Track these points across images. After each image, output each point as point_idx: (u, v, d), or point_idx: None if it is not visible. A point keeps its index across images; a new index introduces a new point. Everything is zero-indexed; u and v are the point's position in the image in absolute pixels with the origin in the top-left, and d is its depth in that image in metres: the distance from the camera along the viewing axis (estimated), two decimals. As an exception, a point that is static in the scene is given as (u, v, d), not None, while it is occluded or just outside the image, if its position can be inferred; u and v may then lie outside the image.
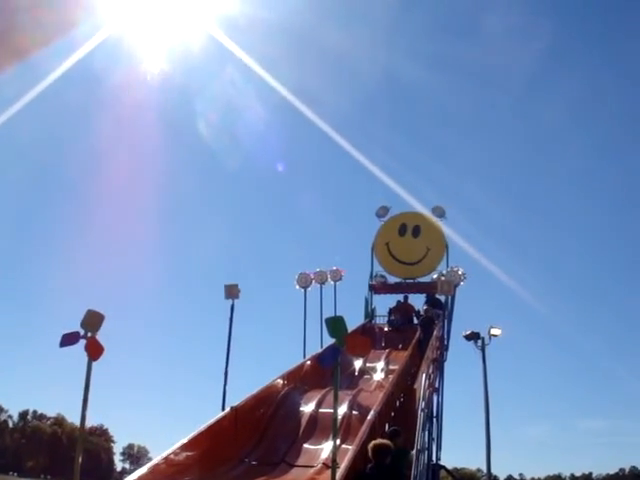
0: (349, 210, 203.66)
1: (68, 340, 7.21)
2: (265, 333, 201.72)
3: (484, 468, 53.44)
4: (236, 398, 12.25)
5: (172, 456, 8.96)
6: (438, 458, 18.97)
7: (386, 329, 24.03)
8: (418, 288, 25.46)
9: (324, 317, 20.14)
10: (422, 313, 23.00)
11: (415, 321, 24.20)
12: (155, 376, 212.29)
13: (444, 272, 23.02)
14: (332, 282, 23.01)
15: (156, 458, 8.81)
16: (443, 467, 20.32)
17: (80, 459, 7.74)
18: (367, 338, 17.27)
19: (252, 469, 10.61)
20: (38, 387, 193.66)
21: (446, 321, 21.58)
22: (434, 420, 17.44)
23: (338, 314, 9.09)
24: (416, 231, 26.23)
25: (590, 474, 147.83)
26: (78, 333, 7.20)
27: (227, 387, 15.56)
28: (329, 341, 9.37)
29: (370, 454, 9.46)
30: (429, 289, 24.07)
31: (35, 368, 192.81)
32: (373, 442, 9.65)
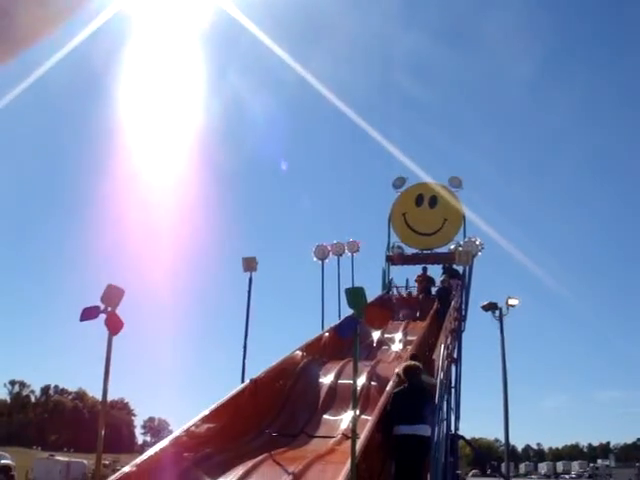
0: (366, 181, 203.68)
1: (88, 314, 7.24)
2: (283, 305, 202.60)
3: (502, 438, 53.95)
4: (255, 370, 12.32)
5: (193, 428, 9.01)
6: (457, 428, 19.09)
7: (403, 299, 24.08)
8: (435, 259, 25.46)
9: (342, 289, 20.20)
10: (439, 284, 23.03)
11: (432, 292, 24.29)
12: (174, 350, 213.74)
13: (461, 242, 23.00)
14: (349, 254, 22.98)
15: (177, 430, 8.87)
16: (462, 437, 20.42)
17: (103, 432, 7.80)
18: (386, 308, 17.33)
19: (272, 440, 10.68)
20: (59, 362, 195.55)
21: (464, 292, 21.58)
22: (452, 391, 17.51)
23: (356, 285, 9.07)
24: (433, 202, 26.18)
25: (607, 444, 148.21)
26: (98, 307, 7.23)
27: (246, 360, 15.66)
28: (347, 313, 9.42)
29: (403, 375, 10.74)
30: (446, 260, 24.08)
31: (56, 343, 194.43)
32: (403, 364, 11.08)
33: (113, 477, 7.37)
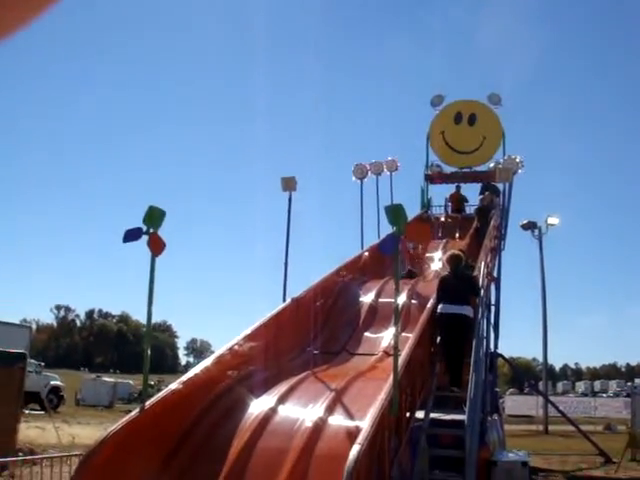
0: (404, 99, 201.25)
1: (131, 236, 7.30)
2: (323, 226, 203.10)
3: (540, 358, 54.07)
4: (296, 290, 12.41)
5: (236, 347, 9.11)
6: (496, 347, 19.16)
7: (443, 219, 23.95)
8: (474, 177, 25.18)
9: (381, 208, 20.13)
10: (478, 202, 22.84)
11: (466, 212, 24.16)
12: (216, 271, 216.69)
13: (501, 160, 22.72)
14: (388, 173, 22.80)
15: (220, 349, 8.97)
16: (501, 355, 20.53)
17: (149, 352, 7.94)
18: (427, 225, 17.31)
19: (314, 358, 10.81)
20: (103, 287, 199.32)
21: (503, 210, 21.40)
22: (492, 309, 17.53)
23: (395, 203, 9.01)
24: (472, 119, 25.73)
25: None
26: (140, 229, 7.27)
27: (287, 279, 15.75)
28: (387, 232, 9.39)
29: (448, 262, 12.12)
30: (486, 178, 23.81)
31: (100, 268, 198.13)
32: (448, 253, 12.52)
33: (160, 394, 7.51)
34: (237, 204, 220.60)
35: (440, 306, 11.38)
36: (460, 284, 11.53)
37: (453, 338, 11.30)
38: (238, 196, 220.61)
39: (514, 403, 54.45)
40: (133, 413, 7.03)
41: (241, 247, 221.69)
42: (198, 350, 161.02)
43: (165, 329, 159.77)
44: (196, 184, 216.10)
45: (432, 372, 10.85)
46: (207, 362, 8.57)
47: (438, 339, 11.60)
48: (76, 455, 8.50)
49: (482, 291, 12.71)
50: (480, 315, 12.25)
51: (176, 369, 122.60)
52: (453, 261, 11.96)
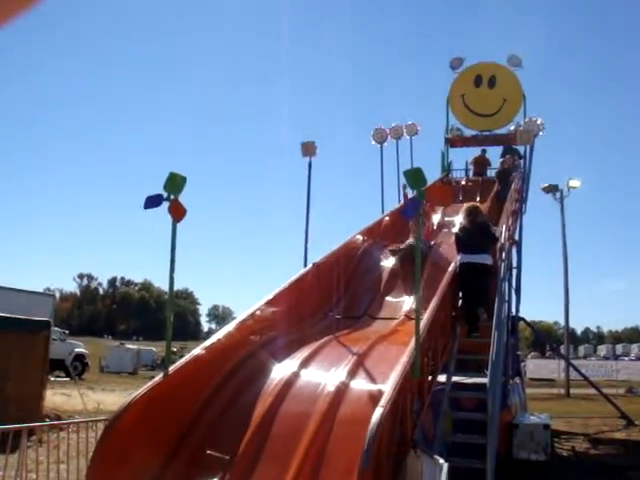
0: (424, 62, 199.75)
1: (151, 202, 7.30)
2: (343, 190, 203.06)
3: (561, 321, 54.00)
4: (317, 255, 12.42)
5: (258, 312, 9.13)
6: (517, 310, 19.12)
7: (463, 182, 23.82)
8: (495, 140, 25.00)
9: (401, 172, 20.06)
10: (499, 166, 22.69)
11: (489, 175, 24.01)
12: (236, 238, 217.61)
13: (521, 122, 22.53)
14: (408, 137, 22.68)
15: (242, 314, 9.00)
16: (522, 319, 20.49)
17: (172, 318, 7.98)
18: (448, 187, 17.27)
19: (336, 322, 10.84)
20: (125, 255, 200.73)
21: (524, 173, 21.26)
22: (513, 272, 17.48)
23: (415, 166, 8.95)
24: (492, 82, 25.46)
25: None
26: (161, 195, 7.28)
27: (308, 245, 15.75)
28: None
29: (464, 214, 12.19)
30: (506, 141, 23.66)
31: (121, 236, 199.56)
32: (466, 205, 12.64)
33: (183, 359, 7.57)
34: (257, 170, 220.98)
35: (459, 257, 11.60)
36: (477, 233, 11.62)
37: (472, 287, 11.43)
38: (258, 162, 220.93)
39: (536, 367, 54.49)
40: (156, 379, 7.09)
41: (262, 213, 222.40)
42: (220, 317, 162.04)
43: (187, 296, 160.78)
44: (216, 150, 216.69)
45: (454, 335, 10.85)
46: (229, 327, 8.59)
47: (460, 302, 11.61)
48: (101, 420, 8.60)
49: (503, 256, 12.66)
50: (501, 266, 12.23)
51: (198, 336, 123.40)
52: (470, 212, 12.05)
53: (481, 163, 24.79)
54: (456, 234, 12.13)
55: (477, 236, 11.57)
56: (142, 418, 6.58)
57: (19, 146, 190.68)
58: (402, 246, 13.33)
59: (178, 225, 7.49)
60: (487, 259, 11.48)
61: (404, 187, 16.79)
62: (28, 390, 16.15)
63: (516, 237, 18.04)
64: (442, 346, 10.11)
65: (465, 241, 11.69)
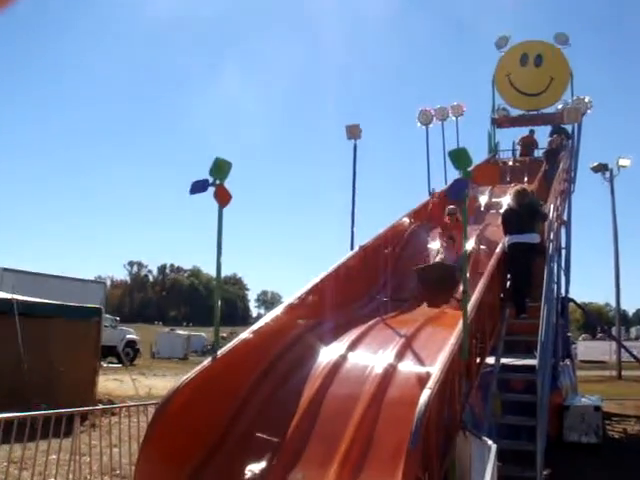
0: (468, 42, 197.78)
1: (197, 188, 7.37)
2: (389, 173, 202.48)
3: (612, 302, 53.29)
4: (364, 238, 12.41)
5: (305, 296, 9.14)
6: (567, 291, 18.92)
7: (511, 163, 23.56)
8: (542, 119, 24.67)
9: (447, 154, 19.94)
10: (547, 145, 22.41)
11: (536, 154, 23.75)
12: (284, 223, 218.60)
13: (569, 101, 22.22)
14: (453, 118, 22.43)
15: (290, 298, 9.04)
16: (572, 300, 20.25)
17: (219, 303, 8.05)
18: (495, 166, 17.13)
19: (383, 305, 10.84)
20: (174, 242, 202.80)
21: (572, 152, 20.97)
22: (562, 253, 17.28)
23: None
24: (538, 60, 25.09)
25: None
26: (207, 180, 7.34)
27: (354, 228, 15.75)
28: (453, 178, 9.29)
29: (512, 196, 12.37)
30: (554, 120, 23.34)
31: (170, 223, 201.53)
32: (514, 187, 12.95)
33: (232, 343, 7.62)
34: (304, 154, 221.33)
35: (506, 238, 11.68)
36: (524, 213, 11.67)
37: (520, 267, 11.46)
38: (305, 145, 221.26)
39: (586, 349, 53.95)
40: (206, 362, 7.16)
41: (309, 198, 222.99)
42: (269, 302, 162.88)
43: (235, 282, 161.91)
44: (261, 134, 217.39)
45: (502, 317, 10.79)
46: (277, 311, 8.63)
47: (508, 284, 11.54)
48: (153, 404, 8.73)
49: (552, 236, 12.55)
50: (549, 247, 12.14)
51: (247, 321, 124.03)
52: (518, 194, 12.14)
53: (528, 143, 24.51)
54: (503, 216, 12.13)
55: (525, 217, 11.57)
56: (192, 401, 6.66)
57: (71, 136, 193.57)
58: (422, 265, 12.52)
59: (225, 210, 7.55)
60: (535, 238, 11.52)
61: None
62: (81, 376, 16.44)
63: (565, 217, 17.80)
64: (490, 328, 10.06)
65: (513, 222, 11.72)
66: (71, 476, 8.28)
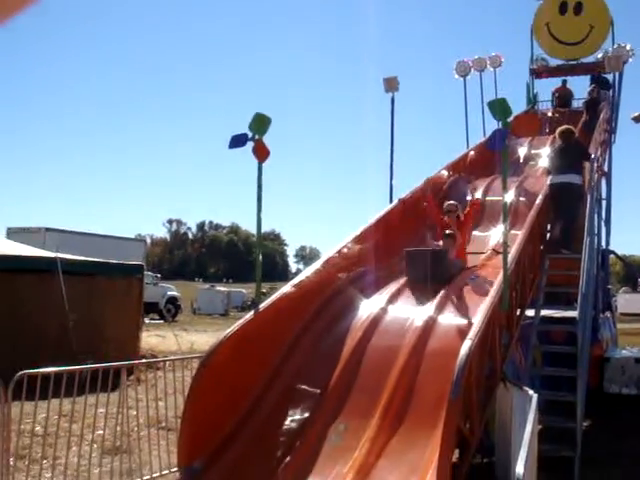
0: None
1: (236, 142, 7.39)
2: (427, 125, 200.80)
3: (655, 254, 52.61)
4: (402, 191, 12.38)
5: (345, 250, 9.17)
6: (607, 243, 18.72)
7: (550, 114, 23.21)
8: (582, 69, 24.18)
9: (485, 105, 19.72)
10: (587, 95, 22.03)
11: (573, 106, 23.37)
12: (322, 177, 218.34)
13: (610, 50, 21.78)
14: (491, 69, 22.09)
15: (330, 252, 9.07)
16: (613, 252, 20.05)
17: (260, 258, 8.12)
18: (535, 116, 16.99)
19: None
20: (212, 199, 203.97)
21: (613, 102, 20.60)
22: (603, 204, 17.09)
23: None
24: (578, 8, 24.51)
25: None
26: (246, 135, 7.36)
27: (393, 181, 15.72)
28: (491, 130, 9.20)
29: (558, 136, 12.73)
30: (594, 69, 22.91)
31: (208, 180, 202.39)
32: (559, 129, 12.94)
33: (273, 297, 7.70)
34: (342, 107, 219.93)
35: (549, 177, 12.26)
36: (569, 153, 12.05)
37: (561, 205, 11.93)
38: (343, 99, 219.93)
39: (627, 302, 53.42)
40: (248, 316, 7.25)
41: (346, 152, 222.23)
42: (307, 257, 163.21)
43: (274, 238, 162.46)
44: (299, 88, 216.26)
45: (542, 269, 10.76)
46: (317, 265, 8.68)
47: (548, 235, 11.53)
48: (197, 358, 8.87)
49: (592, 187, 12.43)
50: (589, 196, 12.06)
51: (286, 277, 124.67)
52: (564, 134, 12.54)
53: (563, 94, 24.08)
54: (550, 153, 12.85)
55: (570, 156, 12.00)
56: (235, 354, 6.76)
57: (111, 92, 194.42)
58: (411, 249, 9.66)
59: (264, 166, 7.59)
60: (575, 179, 11.90)
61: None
62: (125, 332, 16.73)
63: (605, 168, 17.56)
64: (530, 279, 10.04)
65: (556, 162, 12.23)
66: (119, 428, 8.47)
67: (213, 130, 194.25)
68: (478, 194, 13.15)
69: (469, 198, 11.40)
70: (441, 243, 10.05)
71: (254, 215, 7.58)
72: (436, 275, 8.66)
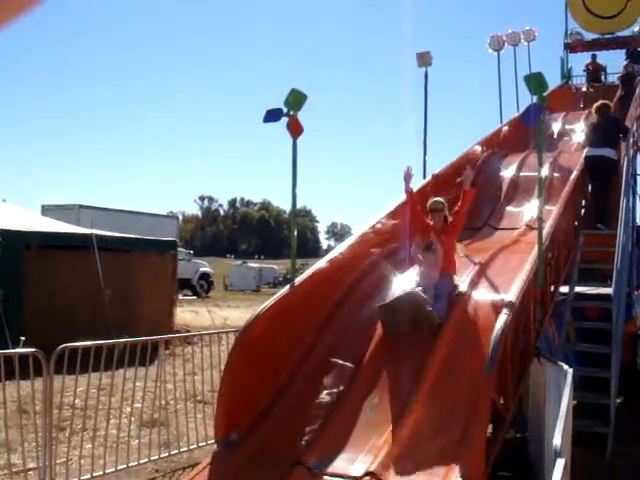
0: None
1: (271, 116, 7.42)
2: (460, 100, 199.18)
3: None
4: (436, 166, 12.35)
5: (378, 225, 9.15)
6: (643, 219, 18.52)
7: (584, 89, 22.93)
8: (618, 43, 23.80)
9: (519, 80, 19.53)
10: (622, 70, 21.72)
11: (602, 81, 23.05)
12: (354, 153, 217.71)
13: (646, 23, 21.47)
14: (525, 43, 21.82)
15: (363, 227, 9.09)
16: (647, 228, 19.83)
17: (295, 233, 8.18)
18: (570, 91, 16.90)
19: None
20: (243, 176, 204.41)
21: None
22: (638, 180, 16.91)
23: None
24: (614, -21, 24.16)
25: None
26: (281, 110, 7.40)
27: (427, 156, 15.68)
28: (525, 105, 9.13)
29: (594, 111, 12.69)
30: (630, 43, 22.58)
31: (239, 157, 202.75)
32: (596, 103, 12.87)
33: (308, 272, 7.75)
34: (375, 83, 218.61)
35: (585, 150, 12.32)
36: (605, 127, 12.10)
37: (596, 179, 12.15)
38: (375, 74, 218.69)
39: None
40: (284, 290, 7.31)
41: (379, 128, 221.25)
42: (339, 233, 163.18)
43: (305, 214, 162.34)
44: (335, 63, 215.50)
45: (576, 245, 10.70)
46: (351, 240, 8.71)
47: (582, 211, 11.50)
48: (232, 331, 8.97)
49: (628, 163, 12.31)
50: (626, 170, 11.98)
51: (318, 253, 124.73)
52: (600, 109, 12.54)
53: (595, 69, 23.73)
54: (585, 131, 13.03)
55: (606, 131, 12.03)
56: (271, 328, 6.83)
57: (142, 67, 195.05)
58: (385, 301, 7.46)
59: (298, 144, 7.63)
60: (611, 153, 11.92)
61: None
62: (159, 307, 16.92)
63: (641, 143, 17.35)
64: (565, 256, 10.01)
65: (592, 137, 12.31)
66: (156, 402, 8.61)
67: (245, 106, 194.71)
68: (512, 170, 13.07)
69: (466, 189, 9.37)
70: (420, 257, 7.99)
71: (285, 191, 7.71)
72: (417, 327, 7.05)
